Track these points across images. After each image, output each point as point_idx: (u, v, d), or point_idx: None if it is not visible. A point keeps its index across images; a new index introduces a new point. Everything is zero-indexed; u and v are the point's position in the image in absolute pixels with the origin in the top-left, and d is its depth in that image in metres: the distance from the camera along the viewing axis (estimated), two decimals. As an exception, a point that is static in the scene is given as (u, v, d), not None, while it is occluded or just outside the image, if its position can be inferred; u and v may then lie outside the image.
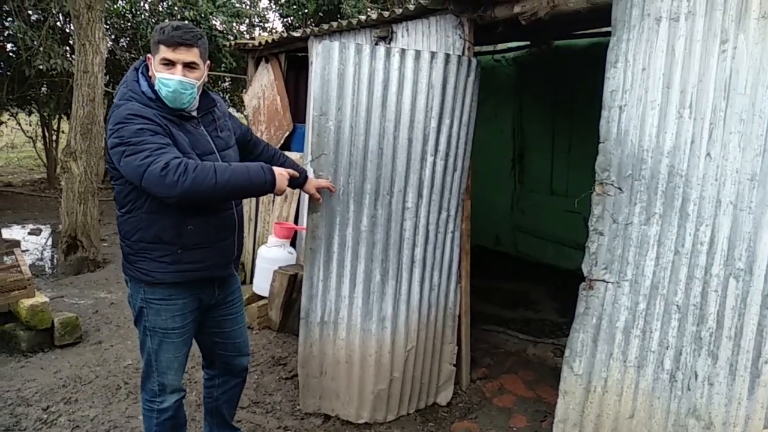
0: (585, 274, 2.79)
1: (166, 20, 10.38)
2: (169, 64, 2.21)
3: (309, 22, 12.06)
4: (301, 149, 5.24)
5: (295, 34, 4.91)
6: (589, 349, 2.79)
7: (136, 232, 2.28)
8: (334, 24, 4.42)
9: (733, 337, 2.33)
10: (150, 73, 2.28)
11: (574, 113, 6.00)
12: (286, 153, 3.73)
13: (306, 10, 12.25)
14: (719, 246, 2.34)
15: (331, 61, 3.27)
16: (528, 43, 6.10)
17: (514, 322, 5.08)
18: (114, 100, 2.30)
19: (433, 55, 3.36)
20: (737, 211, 2.27)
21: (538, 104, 6.48)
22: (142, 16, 10.72)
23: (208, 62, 2.39)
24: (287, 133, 5.48)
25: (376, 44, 3.93)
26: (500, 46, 6.43)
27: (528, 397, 3.79)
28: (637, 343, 2.64)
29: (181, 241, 2.28)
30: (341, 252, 3.32)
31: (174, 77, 2.20)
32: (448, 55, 3.38)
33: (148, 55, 2.28)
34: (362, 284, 3.34)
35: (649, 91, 2.49)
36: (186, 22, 2.39)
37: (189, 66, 2.24)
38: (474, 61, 3.48)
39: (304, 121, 5.20)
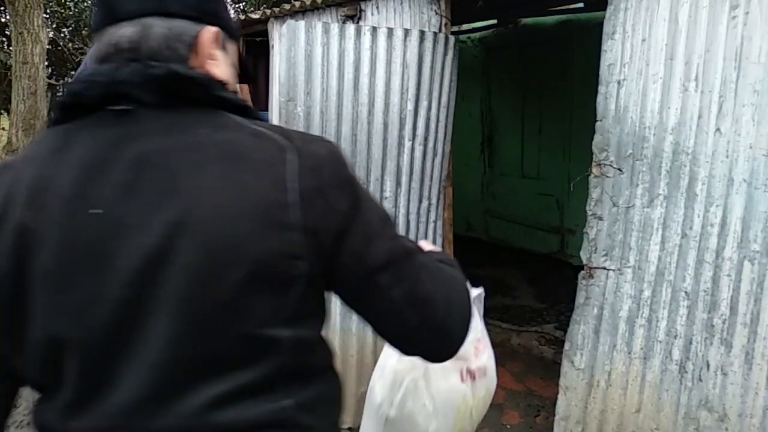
0: (584, 261, 2.61)
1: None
2: None
3: (263, 8, 11.62)
4: (264, 139, 4.92)
5: (253, 15, 4.59)
6: (590, 342, 2.62)
7: None
8: (297, 3, 4.12)
9: (748, 323, 2.19)
10: None
11: (544, 93, 5.86)
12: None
13: (263, -6, 11.81)
14: (732, 227, 2.19)
15: (297, 42, 3.02)
16: (494, 22, 5.91)
17: (493, 310, 4.92)
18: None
19: (406, 32, 3.14)
20: (752, 189, 2.11)
21: (506, 86, 6.31)
22: (85, 4, 10.14)
23: None
24: (248, 122, 5.16)
25: (344, 24, 3.67)
26: (464, 27, 6.23)
27: (518, 391, 3.63)
28: (643, 333, 2.48)
29: None
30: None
31: None
32: (422, 33, 3.16)
33: None
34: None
35: (651, 63, 2.31)
36: None
37: None
38: (452, 38, 3.26)
39: (266, 109, 4.90)
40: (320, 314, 0.84)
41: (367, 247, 0.81)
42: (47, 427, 0.78)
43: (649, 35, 2.30)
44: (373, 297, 0.83)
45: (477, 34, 6.35)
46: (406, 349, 0.91)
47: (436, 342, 0.87)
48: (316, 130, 3.07)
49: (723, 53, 2.12)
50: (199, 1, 0.83)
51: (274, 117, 3.53)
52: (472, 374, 1.47)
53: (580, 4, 4.84)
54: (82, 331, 0.72)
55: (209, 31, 0.83)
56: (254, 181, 0.74)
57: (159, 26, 0.79)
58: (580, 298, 2.63)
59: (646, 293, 2.45)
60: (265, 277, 0.73)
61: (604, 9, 4.88)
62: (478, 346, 1.46)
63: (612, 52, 2.42)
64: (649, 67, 2.32)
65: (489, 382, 1.53)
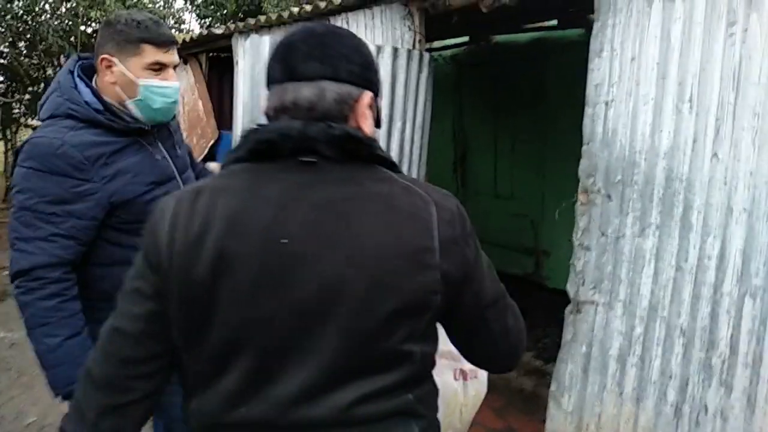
0: (571, 295, 2.43)
1: (69, 21, 9.49)
2: (161, 69, 1.69)
3: (229, 23, 11.38)
4: (228, 159, 4.68)
5: (217, 31, 4.37)
6: (579, 382, 2.43)
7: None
8: (262, 18, 3.92)
9: (750, 364, 2.02)
10: (101, 81, 1.70)
11: (518, 112, 5.73)
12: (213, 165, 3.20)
13: (225, 11, 11.56)
14: (731, 260, 2.03)
15: (261, 59, 2.81)
16: (466, 39, 5.78)
17: (469, 337, 4.72)
18: (39, 115, 1.70)
19: (379, 48, 2.96)
20: (753, 219, 1.96)
21: (479, 103, 6.17)
22: (42, 18, 9.74)
23: None
24: (212, 141, 4.93)
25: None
26: (436, 44, 6.09)
27: (499, 429, 3.42)
28: (635, 372, 2.30)
29: None
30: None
31: (171, 84, 1.71)
32: (396, 49, 2.98)
33: (105, 56, 1.65)
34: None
35: (641, 83, 2.16)
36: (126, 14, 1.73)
37: (174, 68, 1.76)
38: (426, 55, 3.09)
39: (230, 129, 4.67)
40: (437, 335, 1.04)
41: (482, 289, 1.02)
42: (205, 411, 0.95)
43: (639, 53, 2.15)
44: (480, 328, 1.05)
45: (449, 52, 6.21)
46: (485, 365, 1.22)
47: (508, 361, 1.14)
48: (281, 153, 2.86)
49: (720, 73, 1.98)
50: (361, 71, 0.99)
51: (238, 137, 3.29)
52: (464, 375, 1.77)
53: (554, 22, 4.73)
54: (263, 335, 0.91)
55: (367, 96, 1.00)
56: (407, 227, 0.93)
57: (331, 90, 0.95)
58: (567, 335, 2.44)
59: (638, 330, 2.28)
60: (410, 306, 0.93)
61: (579, 27, 4.83)
62: None
63: (599, 71, 2.26)
64: (640, 88, 2.17)
65: (480, 386, 1.81)
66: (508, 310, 1.09)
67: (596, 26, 2.25)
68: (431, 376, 1.06)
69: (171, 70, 1.72)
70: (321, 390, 0.91)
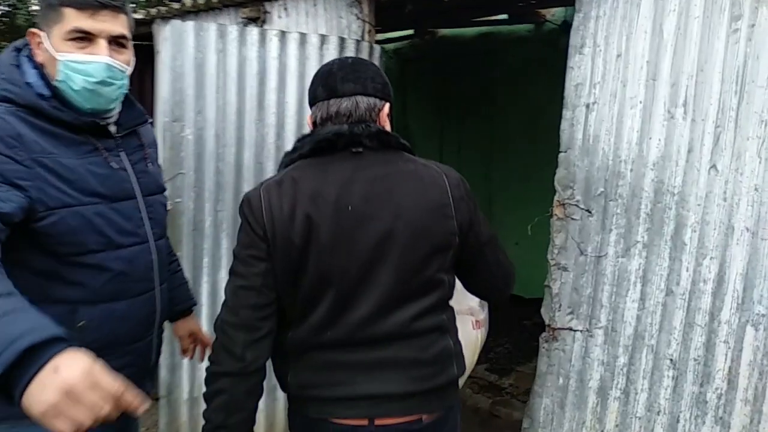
0: (546, 321, 2.16)
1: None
2: (85, 38, 1.26)
3: (150, 9, 10.65)
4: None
5: (135, 16, 3.87)
6: (555, 418, 2.17)
7: None
8: (188, 2, 3.47)
9: (750, 400, 1.81)
10: (40, 60, 1.30)
11: (463, 110, 5.49)
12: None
13: (148, -4, 10.83)
14: (730, 285, 1.81)
15: (184, 48, 2.43)
16: (411, 33, 5.47)
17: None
18: None
19: (323, 39, 2.61)
20: (757, 240, 1.74)
21: (423, 101, 5.88)
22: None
23: None
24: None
25: (245, 27, 3.06)
26: (378, 37, 5.76)
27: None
28: (618, 407, 2.06)
29: None
30: (213, 307, 2.46)
31: (98, 58, 1.27)
32: (343, 39, 2.64)
33: (32, 30, 1.31)
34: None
35: (628, 84, 1.91)
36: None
37: (117, 42, 1.31)
38: (377, 48, 2.76)
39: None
40: (453, 271, 1.40)
41: (480, 231, 1.37)
42: (298, 340, 1.29)
43: (626, 50, 1.89)
44: (479, 260, 1.41)
45: (391, 45, 5.89)
46: (484, 293, 1.61)
47: (502, 288, 1.50)
48: (210, 158, 2.47)
49: (720, 74, 1.74)
50: (382, 88, 1.33)
51: (159, 140, 2.80)
52: (479, 324, 2.34)
53: (504, 16, 4.49)
54: (341, 277, 1.25)
55: (386, 106, 1.34)
56: (431, 191, 1.30)
57: (363, 102, 1.29)
58: (542, 366, 2.18)
59: (622, 360, 2.04)
60: (440, 245, 1.29)
61: (530, 22, 4.62)
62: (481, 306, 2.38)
63: (580, 69, 1.99)
64: (627, 89, 1.91)
65: (484, 332, 2.41)
66: (498, 248, 1.45)
67: (577, 18, 1.97)
68: (451, 307, 1.40)
69: (102, 42, 1.28)
70: (384, 312, 1.26)
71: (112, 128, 1.37)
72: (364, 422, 1.28)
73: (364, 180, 1.25)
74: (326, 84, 1.30)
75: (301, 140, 1.32)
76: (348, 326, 1.25)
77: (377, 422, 1.28)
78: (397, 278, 1.25)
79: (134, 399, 0.81)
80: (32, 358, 0.78)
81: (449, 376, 1.35)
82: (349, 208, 1.23)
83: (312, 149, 1.27)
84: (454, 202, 1.29)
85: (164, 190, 1.54)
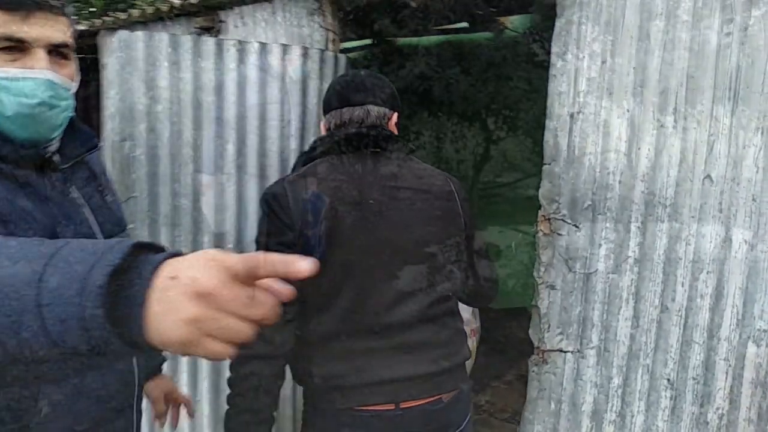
0: (535, 343, 2.04)
1: None
2: (16, 48, 0.97)
3: (95, 20, 10.25)
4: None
5: (80, 27, 3.62)
6: (548, 445, 2.05)
7: None
8: (135, 12, 3.25)
9: (754, 420, 1.73)
10: None
11: (421, 121, 5.40)
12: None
13: (93, 9, 10.42)
14: (729, 300, 1.72)
15: (133, 60, 2.24)
16: (369, 42, 5.35)
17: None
18: None
19: (285, 48, 2.45)
20: (756, 252, 1.66)
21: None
22: None
23: None
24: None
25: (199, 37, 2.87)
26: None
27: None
28: (613, 430, 1.95)
29: None
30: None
31: (36, 73, 0.98)
32: (306, 49, 2.48)
33: None
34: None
35: (615, 92, 1.81)
36: None
37: (58, 52, 1.02)
38: (342, 58, 2.60)
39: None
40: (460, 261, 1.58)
41: (474, 234, 1.58)
42: (322, 330, 1.38)
43: (611, 56, 1.80)
44: (472, 263, 1.57)
45: (351, 54, 5.76)
46: (470, 300, 1.71)
47: (491, 295, 1.66)
48: (165, 180, 2.27)
49: (713, 80, 1.66)
50: (391, 98, 1.50)
51: (107, 161, 2.56)
52: (473, 332, 2.67)
53: (465, 24, 4.41)
54: (363, 265, 1.36)
55: (395, 115, 1.51)
56: (443, 191, 1.48)
57: (374, 110, 1.44)
58: (532, 391, 2.05)
59: (616, 381, 1.93)
60: (450, 239, 1.44)
61: (490, 30, 4.55)
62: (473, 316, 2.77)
63: (563, 76, 1.88)
64: (613, 97, 1.82)
65: (477, 339, 2.80)
66: (487, 253, 1.63)
67: (559, 23, 1.87)
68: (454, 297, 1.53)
69: (40, 53, 0.98)
70: (403, 299, 1.38)
71: (56, 157, 1.09)
72: (391, 407, 1.36)
73: (381, 176, 1.40)
74: (340, 94, 1.45)
75: (320, 140, 1.46)
76: (370, 314, 1.36)
77: (403, 405, 1.36)
78: (414, 268, 1.38)
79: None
80: (129, 274, 0.53)
81: (463, 356, 1.49)
82: (370, 202, 1.36)
83: (332, 148, 1.41)
84: (460, 201, 1.49)
85: (126, 226, 1.26)
